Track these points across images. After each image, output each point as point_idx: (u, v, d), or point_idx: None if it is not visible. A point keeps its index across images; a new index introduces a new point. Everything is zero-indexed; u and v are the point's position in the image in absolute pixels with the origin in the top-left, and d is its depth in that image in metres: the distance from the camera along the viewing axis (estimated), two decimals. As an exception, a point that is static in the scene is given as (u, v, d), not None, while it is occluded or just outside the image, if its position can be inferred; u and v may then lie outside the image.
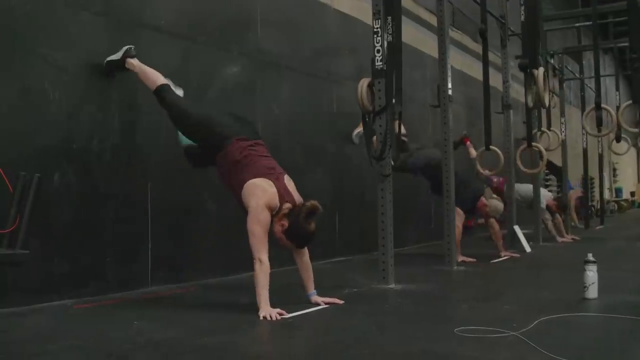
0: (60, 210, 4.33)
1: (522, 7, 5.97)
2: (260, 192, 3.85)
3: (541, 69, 5.06)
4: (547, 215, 9.32)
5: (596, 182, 15.78)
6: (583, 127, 7.22)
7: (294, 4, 6.82)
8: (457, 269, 6.07)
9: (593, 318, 3.57)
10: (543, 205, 9.20)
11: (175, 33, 5.28)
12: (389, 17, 4.92)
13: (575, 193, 12.62)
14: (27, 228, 3.63)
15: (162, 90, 4.38)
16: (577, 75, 12.02)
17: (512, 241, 7.94)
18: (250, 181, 3.90)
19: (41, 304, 4.07)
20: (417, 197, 8.74)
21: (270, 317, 3.58)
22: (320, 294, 4.20)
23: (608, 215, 18.64)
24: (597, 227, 13.28)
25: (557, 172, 13.12)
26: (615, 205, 21.84)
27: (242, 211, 3.99)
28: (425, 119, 9.24)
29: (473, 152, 7.80)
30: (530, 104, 5.21)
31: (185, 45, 5.39)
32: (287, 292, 4.78)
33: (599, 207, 15.82)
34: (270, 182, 3.91)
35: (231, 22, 5.92)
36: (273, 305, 3.71)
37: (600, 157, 13.06)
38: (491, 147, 6.49)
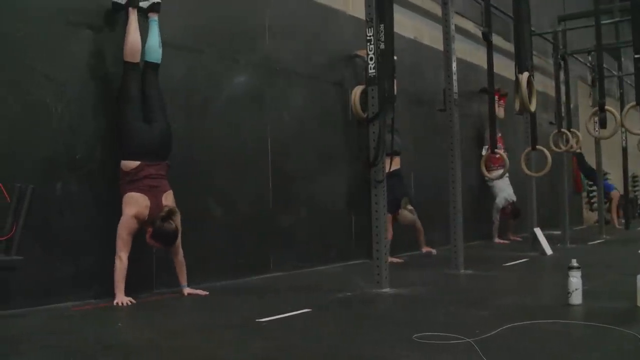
0: (63, 217, 4.58)
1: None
2: (134, 204, 4.61)
3: (525, 74, 5.03)
4: (498, 215, 9.75)
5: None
6: (587, 129, 7.10)
7: (306, 11, 6.94)
8: (464, 272, 6.07)
9: (561, 325, 3.55)
10: (500, 205, 9.59)
11: (181, 46, 5.47)
12: (382, 25, 4.98)
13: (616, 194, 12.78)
14: (21, 235, 3.92)
15: (131, 67, 4.82)
16: (615, 72, 11.72)
17: (533, 243, 7.86)
18: (129, 193, 4.65)
19: (45, 306, 4.32)
20: (441, 197, 8.73)
21: (123, 303, 4.37)
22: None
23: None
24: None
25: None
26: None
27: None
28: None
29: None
30: (517, 108, 5.19)
31: (192, 57, 5.59)
32: (278, 296, 4.95)
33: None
34: (146, 197, 4.64)
35: (239, 32, 6.09)
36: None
37: (644, 155, 12.63)
38: (496, 150, 6.46)
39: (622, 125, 6.11)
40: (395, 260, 6.95)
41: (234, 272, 5.82)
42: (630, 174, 13.27)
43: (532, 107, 5.16)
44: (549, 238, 7.90)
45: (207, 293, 4.88)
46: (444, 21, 6.23)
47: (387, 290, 4.99)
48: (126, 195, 4.65)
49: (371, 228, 5.16)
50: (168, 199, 4.77)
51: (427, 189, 8.38)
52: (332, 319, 3.98)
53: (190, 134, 5.46)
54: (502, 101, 10.04)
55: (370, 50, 5.02)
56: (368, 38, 5.05)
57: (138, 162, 4.69)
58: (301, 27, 6.84)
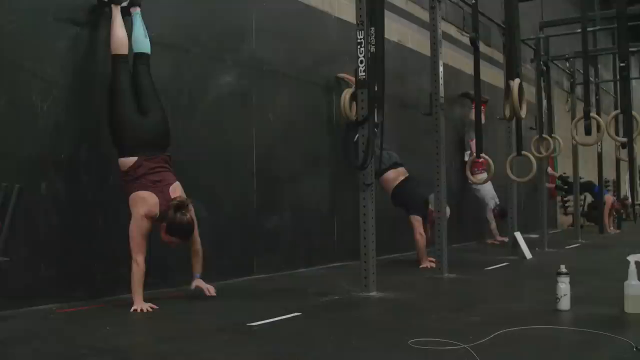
0: (48, 218, 4.49)
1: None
2: (141, 203, 4.42)
3: (517, 81, 5.07)
4: (491, 215, 10.05)
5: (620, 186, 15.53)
6: (572, 135, 7.21)
7: (292, 13, 6.90)
8: (449, 276, 6.10)
9: (552, 331, 3.58)
10: (491, 206, 9.91)
11: (167, 45, 5.40)
12: (372, 28, 4.97)
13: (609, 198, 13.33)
14: (7, 237, 3.83)
15: (119, 60, 4.71)
16: (593, 79, 11.89)
17: (513, 247, 7.93)
18: (135, 193, 4.46)
19: (28, 308, 4.23)
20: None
21: (142, 309, 4.19)
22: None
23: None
24: (614, 232, 13.14)
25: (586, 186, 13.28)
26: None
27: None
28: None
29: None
30: (507, 115, 5.23)
31: (178, 56, 5.53)
32: (265, 300, 4.91)
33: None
34: (153, 194, 4.45)
35: (226, 32, 6.04)
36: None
37: (618, 161, 12.85)
38: (482, 154, 6.51)
39: (607, 133, 6.19)
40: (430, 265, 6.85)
41: (218, 273, 5.75)
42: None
43: (523, 114, 5.20)
44: (526, 242, 7.98)
45: (215, 293, 4.75)
46: (431, 26, 6.24)
47: (374, 294, 4.98)
48: (133, 195, 4.45)
49: (359, 230, 5.12)
50: (177, 191, 4.56)
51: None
52: (324, 324, 3.96)
53: (175, 134, 5.38)
54: (482, 107, 10.13)
55: (360, 54, 5.01)
56: (359, 41, 5.03)
57: (135, 158, 4.50)
58: (288, 28, 6.81)
